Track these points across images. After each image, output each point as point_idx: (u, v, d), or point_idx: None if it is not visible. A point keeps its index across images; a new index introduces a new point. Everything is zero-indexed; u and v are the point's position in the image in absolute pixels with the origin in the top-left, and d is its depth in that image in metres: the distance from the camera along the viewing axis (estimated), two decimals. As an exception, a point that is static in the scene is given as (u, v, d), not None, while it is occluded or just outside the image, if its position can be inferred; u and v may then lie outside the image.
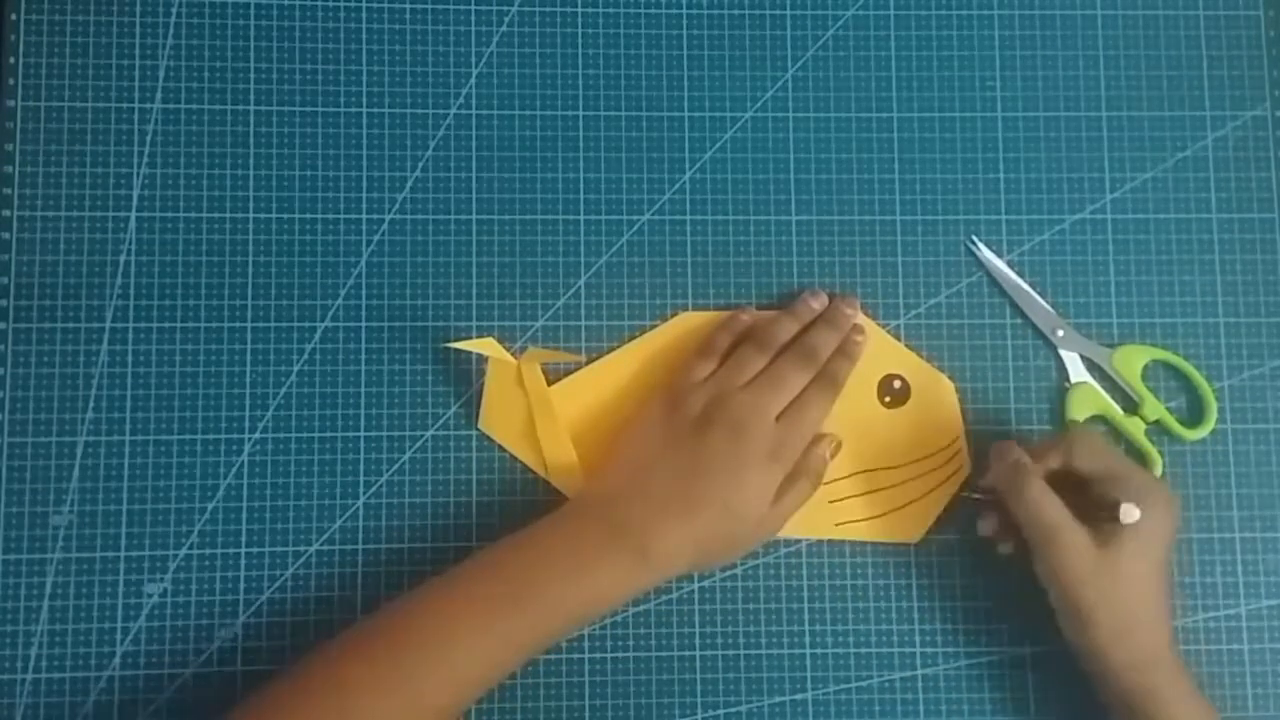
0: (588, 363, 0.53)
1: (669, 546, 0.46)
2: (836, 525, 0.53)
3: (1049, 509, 0.47)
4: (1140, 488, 0.47)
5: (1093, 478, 0.48)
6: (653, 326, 0.54)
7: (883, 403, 0.53)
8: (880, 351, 0.54)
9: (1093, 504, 0.47)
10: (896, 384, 0.53)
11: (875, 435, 0.53)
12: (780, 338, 0.52)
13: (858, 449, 0.53)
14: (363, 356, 0.53)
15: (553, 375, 0.53)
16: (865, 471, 0.53)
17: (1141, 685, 0.46)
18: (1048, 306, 0.54)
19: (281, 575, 0.51)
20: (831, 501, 0.53)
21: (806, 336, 0.52)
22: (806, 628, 0.52)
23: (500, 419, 0.52)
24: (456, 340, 0.51)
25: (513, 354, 0.52)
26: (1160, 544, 0.47)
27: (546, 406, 0.52)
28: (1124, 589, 0.46)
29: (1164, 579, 0.47)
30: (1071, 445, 0.49)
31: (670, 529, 0.46)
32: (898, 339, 0.54)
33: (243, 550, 0.51)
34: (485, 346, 0.50)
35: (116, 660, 0.50)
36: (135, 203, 0.53)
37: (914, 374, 0.54)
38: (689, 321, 0.54)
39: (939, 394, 0.53)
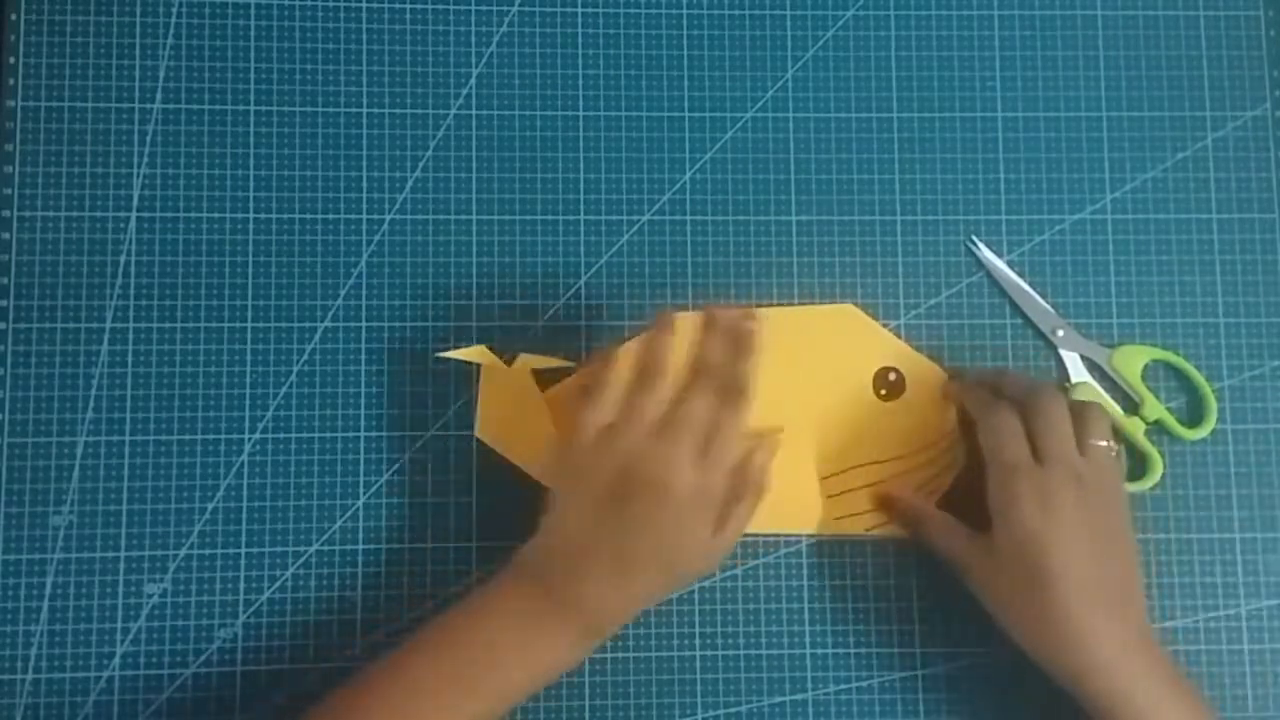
0: (580, 366, 0.53)
1: (612, 612, 0.46)
2: (835, 519, 0.53)
3: (942, 527, 0.50)
4: (1002, 474, 0.47)
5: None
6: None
7: (878, 395, 0.53)
8: (875, 345, 0.54)
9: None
10: (891, 376, 0.54)
11: (872, 428, 0.53)
12: (666, 359, 0.47)
13: (855, 443, 0.53)
14: (363, 356, 0.53)
15: (547, 380, 0.53)
16: (863, 465, 0.53)
17: (1097, 688, 0.45)
18: (1048, 306, 0.54)
19: (281, 575, 0.51)
20: (830, 496, 0.53)
21: (700, 355, 0.47)
22: (806, 628, 0.52)
23: (497, 426, 0.52)
24: (451, 350, 0.51)
25: (505, 360, 0.52)
26: (1040, 532, 0.45)
27: (541, 412, 0.52)
28: (1010, 579, 0.46)
29: (1082, 573, 0.45)
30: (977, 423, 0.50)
31: (610, 597, 0.46)
32: (897, 337, 0.54)
33: (243, 550, 0.51)
34: (477, 355, 0.50)
35: (116, 660, 0.50)
36: (135, 203, 0.53)
37: (909, 366, 0.54)
38: (681, 322, 0.53)
39: (934, 386, 0.54)
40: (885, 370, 0.54)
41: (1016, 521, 0.46)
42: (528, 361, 0.52)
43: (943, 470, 0.53)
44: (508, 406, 0.52)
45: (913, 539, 0.52)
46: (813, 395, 0.53)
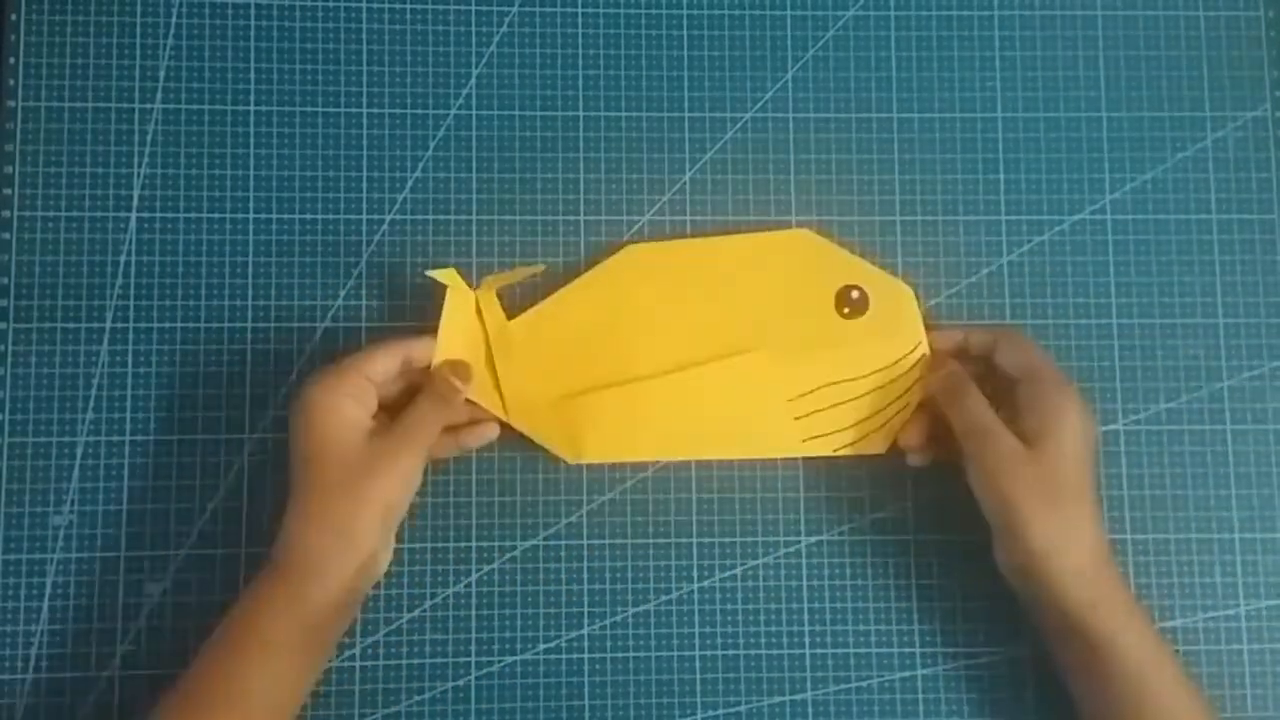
0: (545, 275, 0.53)
1: (301, 530, 0.46)
2: (804, 441, 0.52)
3: (985, 414, 0.48)
4: (1056, 383, 0.48)
5: (1016, 376, 0.49)
6: (652, 326, 0.54)
7: (841, 314, 0.53)
8: (834, 265, 0.53)
9: (1013, 405, 0.48)
10: (854, 294, 0.53)
11: (836, 347, 0.52)
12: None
13: (820, 363, 0.52)
14: (363, 356, 0.53)
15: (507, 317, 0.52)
16: (829, 385, 0.52)
17: (1083, 597, 0.46)
18: None
19: (281, 575, 0.51)
20: (797, 418, 0.52)
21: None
22: (806, 628, 0.52)
23: (456, 355, 0.50)
24: (432, 269, 0.50)
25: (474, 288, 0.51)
26: (1084, 443, 0.47)
27: (505, 338, 0.51)
28: (1054, 485, 0.46)
29: (1092, 483, 0.47)
30: (1000, 343, 0.50)
31: (292, 523, 0.46)
32: (857, 255, 0.54)
33: (242, 550, 0.51)
34: (445, 276, 0.49)
35: (116, 660, 0.50)
36: (135, 203, 0.53)
37: (872, 283, 0.53)
38: (638, 254, 0.53)
39: (898, 302, 0.53)
40: (847, 289, 0.53)
41: (1070, 426, 0.47)
42: (493, 281, 0.51)
43: (913, 386, 0.52)
44: (470, 334, 0.50)
45: (942, 405, 0.50)
46: (772, 319, 0.53)
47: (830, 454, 0.52)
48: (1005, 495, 0.46)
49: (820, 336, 0.53)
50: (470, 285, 0.51)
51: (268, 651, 0.45)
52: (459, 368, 0.49)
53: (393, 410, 0.49)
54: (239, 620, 0.45)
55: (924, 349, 0.52)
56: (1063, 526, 0.46)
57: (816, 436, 0.52)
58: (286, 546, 0.46)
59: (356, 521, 0.46)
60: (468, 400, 0.50)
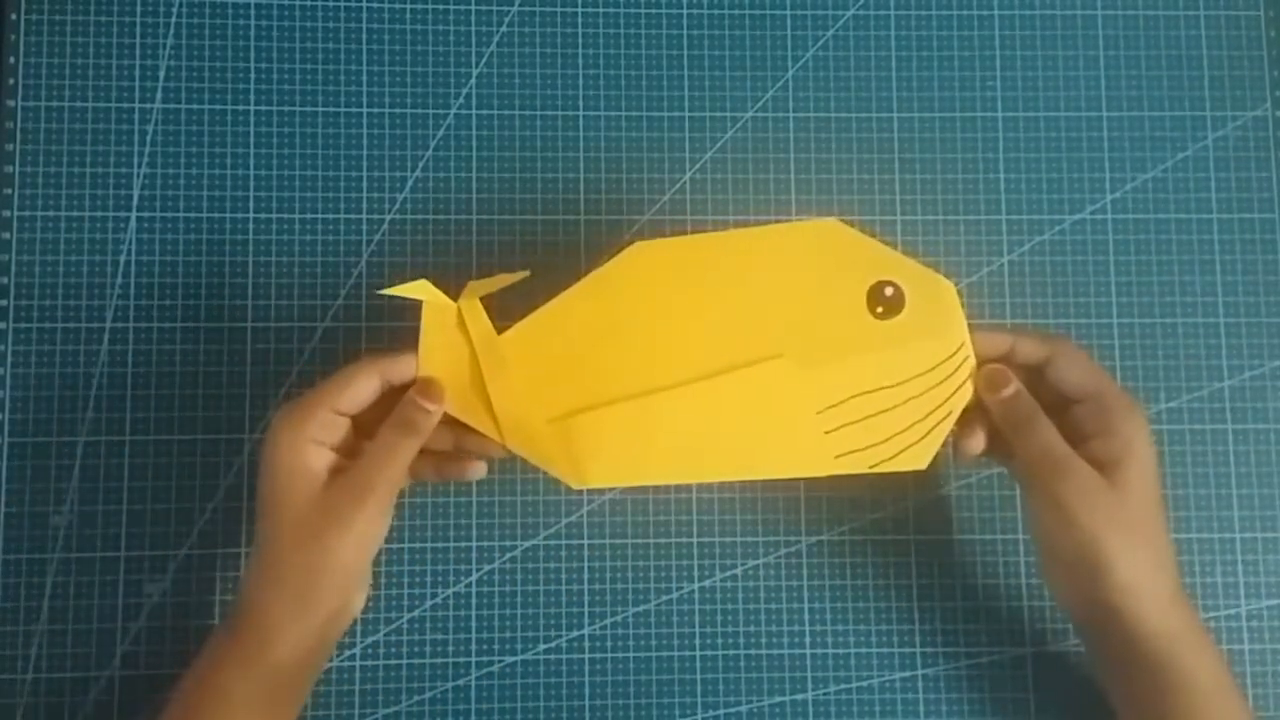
0: (541, 279, 0.48)
1: (259, 595, 0.43)
2: (836, 458, 0.46)
3: (1059, 444, 0.44)
4: (1126, 406, 0.44)
5: (1075, 397, 0.45)
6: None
7: (874, 314, 0.47)
8: (865, 257, 0.47)
9: (1068, 423, 0.45)
10: (888, 291, 0.47)
11: (869, 352, 0.46)
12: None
13: (851, 369, 0.46)
14: (363, 356, 0.53)
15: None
16: (862, 394, 0.46)
17: (1163, 629, 0.44)
18: None
19: (281, 575, 0.51)
20: (828, 432, 0.46)
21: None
22: (806, 628, 0.52)
23: (441, 377, 0.46)
24: (390, 287, 0.46)
25: (452, 296, 0.47)
26: (1155, 464, 0.44)
27: (494, 352, 0.46)
28: (1138, 518, 0.44)
29: (1163, 505, 0.45)
30: (1056, 359, 0.45)
31: (252, 579, 0.44)
32: (891, 247, 0.48)
33: (243, 550, 0.51)
34: (418, 290, 0.46)
35: (116, 660, 0.50)
36: (135, 203, 0.53)
37: (908, 278, 0.47)
38: (645, 252, 0.47)
39: (939, 298, 0.47)
40: (880, 285, 0.47)
41: (1144, 452, 0.44)
42: (475, 288, 0.46)
43: (955, 391, 0.47)
44: (454, 351, 0.46)
45: (1007, 432, 0.46)
46: (797, 322, 0.47)
47: (867, 471, 0.46)
48: (1089, 532, 0.43)
49: (851, 340, 0.47)
50: (450, 295, 0.47)
51: (230, 711, 0.43)
52: (429, 388, 0.45)
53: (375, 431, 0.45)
54: (199, 679, 0.44)
55: (968, 351, 0.47)
56: (1150, 561, 0.44)
57: (850, 452, 0.46)
58: (242, 606, 0.44)
59: (311, 586, 0.43)
60: (462, 424, 0.46)
